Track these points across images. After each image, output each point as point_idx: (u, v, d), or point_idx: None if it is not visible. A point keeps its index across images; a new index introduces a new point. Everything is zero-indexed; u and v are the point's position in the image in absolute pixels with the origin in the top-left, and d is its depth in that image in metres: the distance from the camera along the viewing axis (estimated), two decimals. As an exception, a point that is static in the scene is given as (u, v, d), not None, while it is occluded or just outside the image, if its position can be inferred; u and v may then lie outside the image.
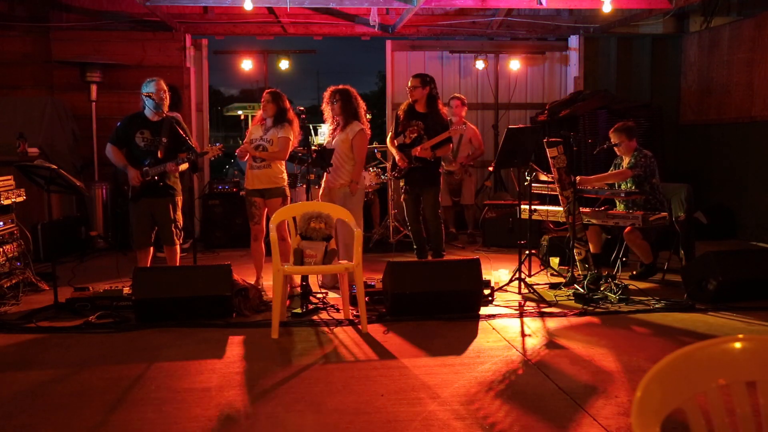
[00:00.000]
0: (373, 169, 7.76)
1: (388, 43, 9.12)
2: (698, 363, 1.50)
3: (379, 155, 8.19)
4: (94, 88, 8.01)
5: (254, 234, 5.58)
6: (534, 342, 4.24)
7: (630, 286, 5.45)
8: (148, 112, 5.28)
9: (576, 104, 8.17)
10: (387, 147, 6.54)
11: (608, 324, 4.63)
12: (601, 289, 5.32)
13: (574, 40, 9.19)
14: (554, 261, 6.17)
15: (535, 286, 5.43)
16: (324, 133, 6.33)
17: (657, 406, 1.44)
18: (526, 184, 5.71)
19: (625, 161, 5.88)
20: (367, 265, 5.76)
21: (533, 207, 5.84)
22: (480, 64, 9.04)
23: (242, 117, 10.94)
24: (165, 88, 5.31)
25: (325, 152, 5.38)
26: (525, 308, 5.00)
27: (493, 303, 5.16)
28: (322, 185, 5.77)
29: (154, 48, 8.34)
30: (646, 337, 4.34)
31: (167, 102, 5.36)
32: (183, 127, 5.37)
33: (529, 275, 5.70)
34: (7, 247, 5.53)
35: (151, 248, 5.41)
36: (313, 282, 5.47)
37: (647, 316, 4.78)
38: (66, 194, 6.89)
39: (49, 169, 5.00)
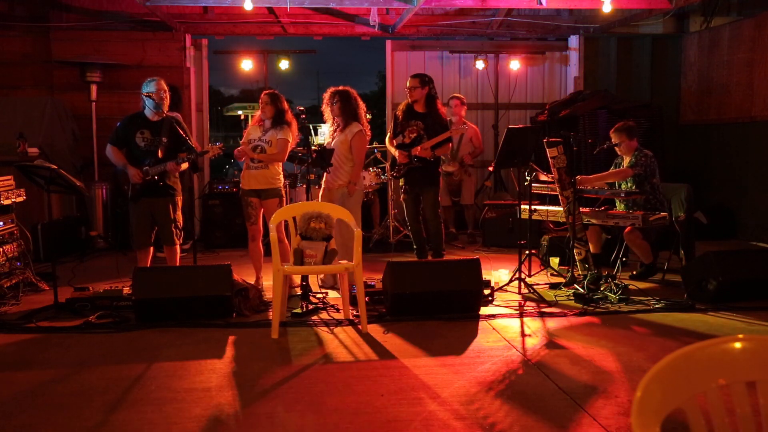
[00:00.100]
0: (373, 169, 7.76)
1: (388, 43, 9.12)
2: (698, 363, 1.50)
3: (379, 155, 8.19)
4: (94, 88, 8.01)
5: (251, 234, 5.58)
6: (534, 342, 4.24)
7: (630, 286, 5.45)
8: (148, 112, 5.28)
9: (576, 104, 8.17)
10: (386, 147, 6.54)
11: (608, 324, 4.63)
12: (601, 289, 5.32)
13: (574, 40, 9.19)
14: (554, 261, 6.17)
15: (535, 286, 5.44)
16: (324, 133, 6.34)
17: (657, 406, 1.44)
18: (526, 184, 5.71)
19: (626, 161, 5.88)
20: (367, 265, 5.76)
21: (533, 207, 5.84)
22: (480, 64, 9.04)
23: (242, 117, 10.92)
24: (165, 88, 5.31)
25: (325, 152, 5.38)
26: (525, 308, 5.00)
27: (493, 303, 5.16)
28: (322, 185, 5.77)
29: (154, 48, 8.34)
30: (646, 337, 4.34)
31: (167, 102, 5.36)
32: (183, 127, 5.36)
33: (529, 275, 5.70)
34: (7, 247, 5.54)
35: (151, 248, 5.41)
36: (313, 282, 5.47)
37: (647, 316, 4.78)
38: (66, 194, 6.88)
39: (49, 169, 5.00)
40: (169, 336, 4.36)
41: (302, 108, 5.54)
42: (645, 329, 4.50)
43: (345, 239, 5.35)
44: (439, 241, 6.09)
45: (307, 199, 5.27)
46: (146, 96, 5.22)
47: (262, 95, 5.55)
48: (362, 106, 5.75)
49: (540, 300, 5.23)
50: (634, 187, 5.75)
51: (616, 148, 5.89)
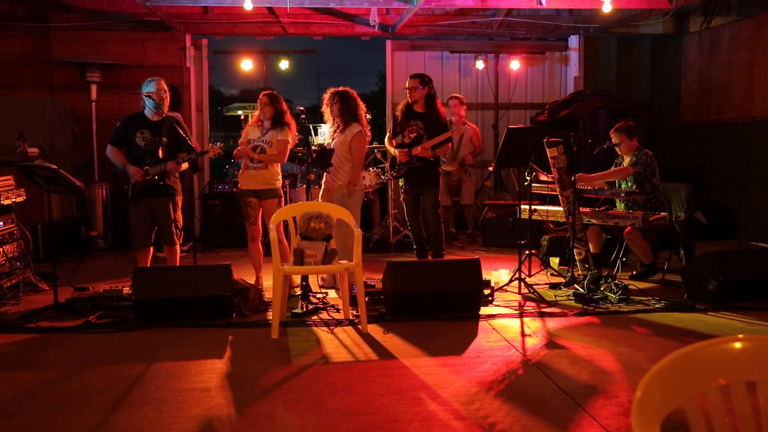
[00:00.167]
0: (372, 169, 7.76)
1: (388, 43, 9.12)
2: (698, 363, 1.50)
3: (379, 155, 8.19)
4: (94, 88, 8.01)
5: (251, 235, 5.58)
6: (534, 342, 4.24)
7: (630, 286, 5.45)
8: (148, 112, 5.28)
9: (576, 104, 8.17)
10: (386, 147, 6.53)
11: (608, 324, 4.63)
12: (601, 289, 5.32)
13: (574, 40, 9.19)
14: (554, 261, 6.17)
15: (535, 286, 5.44)
16: (324, 133, 6.33)
17: (657, 406, 1.44)
18: (526, 184, 5.71)
19: (626, 161, 5.87)
20: (367, 265, 5.76)
21: (533, 207, 5.84)
22: (480, 64, 9.04)
23: (242, 117, 10.94)
24: (165, 88, 5.31)
25: (325, 152, 5.38)
26: (525, 308, 5.00)
27: (493, 303, 5.16)
28: (322, 186, 5.77)
29: (154, 48, 8.34)
30: (646, 337, 4.34)
31: (167, 102, 5.36)
32: (183, 127, 5.37)
33: (529, 275, 5.70)
34: (7, 247, 5.54)
35: (151, 248, 5.41)
36: (313, 282, 5.47)
37: (647, 316, 4.78)
38: (66, 194, 6.89)
39: (49, 169, 5.00)
40: (169, 336, 4.36)
41: (302, 108, 5.54)
42: (645, 329, 4.50)
43: (345, 239, 5.35)
44: (439, 241, 6.09)
45: (307, 199, 5.27)
46: (146, 96, 5.22)
47: (261, 96, 5.55)
48: (362, 106, 5.74)
49: (540, 300, 5.23)
50: (634, 187, 5.75)
51: (616, 148, 5.89)
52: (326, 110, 5.73)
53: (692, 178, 7.44)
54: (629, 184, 5.83)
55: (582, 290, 5.22)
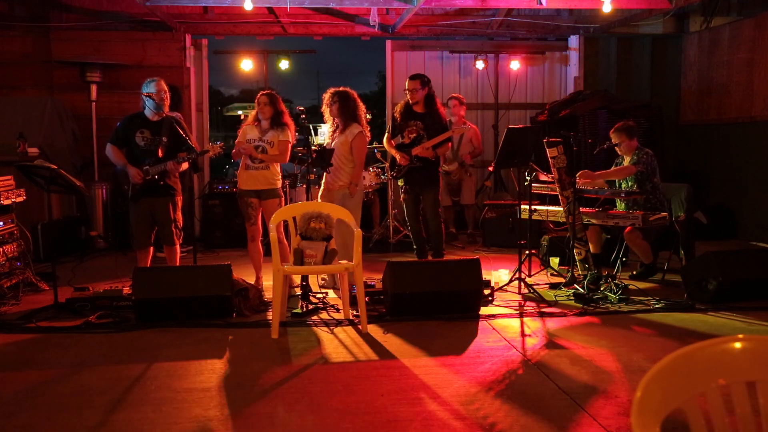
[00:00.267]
0: (372, 169, 7.76)
1: (388, 43, 9.12)
2: (698, 363, 1.50)
3: (378, 155, 8.19)
4: (94, 88, 8.02)
5: (251, 235, 5.57)
6: (534, 342, 4.24)
7: (630, 286, 5.45)
8: (148, 112, 5.28)
9: (576, 104, 8.17)
10: (385, 147, 6.53)
11: (608, 324, 4.63)
12: (601, 289, 5.32)
13: (574, 40, 9.19)
14: (554, 261, 6.17)
15: (535, 286, 5.44)
16: (324, 133, 6.33)
17: (657, 406, 1.44)
18: (526, 184, 5.71)
19: (626, 161, 5.87)
20: (367, 265, 5.76)
21: (533, 207, 5.84)
22: (480, 64, 9.04)
23: (242, 117, 10.93)
24: (165, 88, 5.31)
25: (325, 152, 5.38)
26: (525, 308, 5.00)
27: (493, 303, 5.16)
28: (322, 186, 5.77)
29: (154, 48, 8.34)
30: (646, 337, 4.34)
31: (168, 102, 5.36)
32: (183, 127, 5.37)
33: (529, 275, 5.70)
34: (7, 247, 5.54)
35: (151, 248, 5.41)
36: (313, 282, 5.47)
37: (647, 316, 4.78)
38: (66, 194, 6.89)
39: (49, 169, 5.00)
40: (169, 336, 4.36)
41: (302, 108, 5.53)
42: (645, 329, 4.50)
43: (345, 239, 5.35)
44: (439, 241, 6.09)
45: (307, 199, 5.27)
46: (146, 96, 5.22)
47: (260, 96, 5.54)
48: (362, 107, 5.74)
49: (540, 300, 5.23)
50: (635, 187, 5.75)
51: (616, 148, 5.88)
52: (326, 110, 5.73)
53: (692, 178, 7.44)
54: (629, 183, 5.83)
55: (582, 290, 5.22)
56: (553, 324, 4.63)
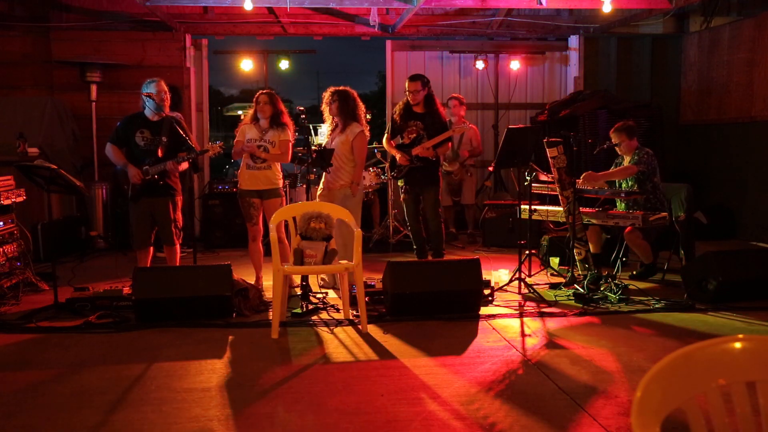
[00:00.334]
0: (372, 169, 7.76)
1: (388, 43, 9.12)
2: (698, 363, 1.50)
3: (378, 155, 8.19)
4: (94, 88, 8.02)
5: (252, 235, 5.57)
6: (534, 342, 4.24)
7: (630, 286, 5.45)
8: (148, 112, 5.28)
9: (576, 104, 8.17)
10: (384, 147, 6.53)
11: (608, 324, 4.63)
12: (601, 289, 5.32)
13: (574, 40, 9.19)
14: (554, 261, 6.17)
15: (535, 286, 5.44)
16: (324, 133, 6.33)
17: (657, 406, 1.44)
18: (526, 184, 5.71)
19: (626, 161, 5.87)
20: (367, 265, 5.76)
21: (533, 207, 5.84)
22: (480, 64, 9.04)
23: (242, 117, 10.94)
24: (166, 89, 5.31)
25: (325, 152, 5.38)
26: (525, 308, 5.00)
27: (493, 303, 5.16)
28: (321, 186, 5.76)
29: (154, 48, 8.34)
30: (646, 337, 4.34)
31: (168, 103, 5.36)
32: (183, 127, 5.36)
33: (529, 275, 5.70)
34: (7, 247, 5.54)
35: (151, 248, 5.41)
36: (313, 282, 5.47)
37: (647, 316, 4.78)
38: (66, 194, 6.89)
39: (49, 169, 5.00)
40: (169, 336, 4.36)
41: (302, 108, 5.53)
42: (645, 329, 4.50)
43: (345, 239, 5.35)
44: (439, 241, 6.08)
45: (307, 199, 5.27)
46: (147, 96, 5.22)
47: (260, 95, 5.53)
48: (361, 106, 5.73)
49: (540, 300, 5.23)
50: (635, 187, 5.75)
51: (617, 148, 5.88)
52: (325, 108, 5.73)
53: (692, 178, 7.44)
54: (629, 183, 5.83)
55: (582, 290, 5.22)
56: (553, 324, 4.63)
